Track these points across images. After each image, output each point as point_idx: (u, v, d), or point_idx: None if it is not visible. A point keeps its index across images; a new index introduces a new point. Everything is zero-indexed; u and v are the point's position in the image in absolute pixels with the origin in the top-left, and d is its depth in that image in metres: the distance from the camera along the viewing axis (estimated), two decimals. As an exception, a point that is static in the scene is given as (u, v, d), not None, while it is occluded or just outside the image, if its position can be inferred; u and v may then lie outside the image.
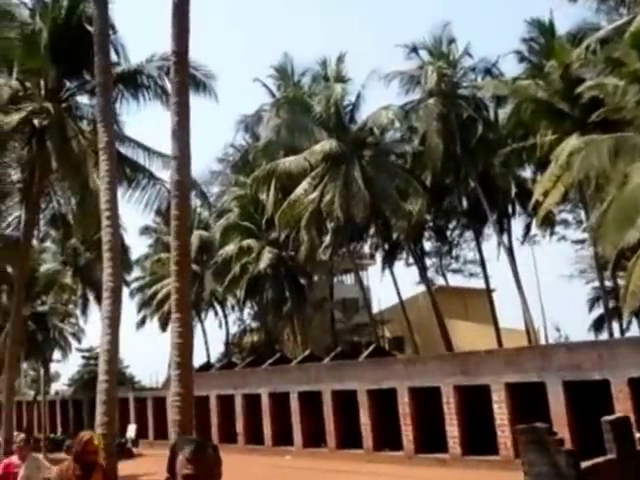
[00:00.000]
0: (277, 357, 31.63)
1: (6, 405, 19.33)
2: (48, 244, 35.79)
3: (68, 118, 17.86)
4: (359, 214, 29.73)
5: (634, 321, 33.19)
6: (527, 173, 31.65)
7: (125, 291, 35.74)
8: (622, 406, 17.18)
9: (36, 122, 17.71)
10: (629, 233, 16.52)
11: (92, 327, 49.80)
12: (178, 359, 9.25)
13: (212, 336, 43.91)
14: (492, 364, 21.10)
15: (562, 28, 28.10)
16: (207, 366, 36.76)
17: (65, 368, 60.63)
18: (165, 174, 19.01)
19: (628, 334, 32.49)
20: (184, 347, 9.31)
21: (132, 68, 17.73)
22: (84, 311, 40.13)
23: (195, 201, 27.32)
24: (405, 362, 25.11)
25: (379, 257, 39.22)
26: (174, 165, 9.77)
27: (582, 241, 35.24)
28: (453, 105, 29.85)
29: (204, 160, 45.84)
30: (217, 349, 47.31)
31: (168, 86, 17.49)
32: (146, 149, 18.21)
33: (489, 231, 34.68)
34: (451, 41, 31.43)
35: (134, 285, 44.01)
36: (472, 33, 67.97)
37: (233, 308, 44.15)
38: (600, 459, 11.40)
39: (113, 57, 15.46)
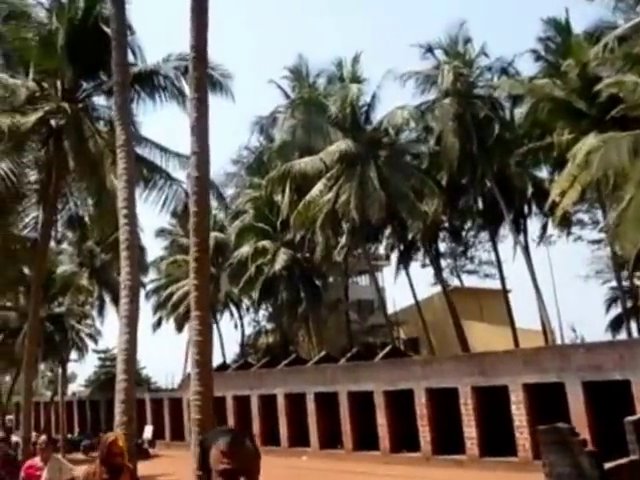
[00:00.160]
0: (293, 358, 31.61)
1: (24, 405, 19.44)
2: (65, 246, 36.03)
3: (85, 118, 17.90)
4: (375, 215, 29.63)
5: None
6: (543, 173, 31.44)
7: (141, 293, 35.84)
8: (643, 407, 16.97)
9: (53, 122, 17.78)
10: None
11: (108, 328, 50.01)
12: (197, 357, 9.20)
13: (227, 337, 44.05)
14: (510, 364, 20.93)
15: (578, 27, 27.99)
16: (223, 367, 36.80)
17: (82, 369, 61.04)
18: (182, 174, 19.05)
19: (647, 334, 32.13)
20: (204, 345, 9.26)
21: (148, 68, 17.74)
22: (100, 312, 40.40)
23: (212, 202, 27.29)
24: (422, 363, 24.97)
25: (394, 258, 39.11)
26: (193, 161, 9.71)
27: (599, 241, 34.96)
28: (469, 105, 29.68)
29: (219, 162, 46.11)
30: (232, 350, 47.41)
31: (185, 86, 17.58)
32: (162, 149, 18.24)
33: (504, 232, 34.53)
34: (467, 40, 31.26)
35: (150, 287, 44.19)
36: (488, 32, 67.60)
37: (248, 309, 44.24)
38: (623, 460, 11.26)
39: (130, 58, 15.46)
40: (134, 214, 11.50)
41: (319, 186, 31.02)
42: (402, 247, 36.23)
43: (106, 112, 19.13)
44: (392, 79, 31.31)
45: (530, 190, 30.61)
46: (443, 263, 38.77)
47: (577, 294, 57.51)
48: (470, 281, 41.74)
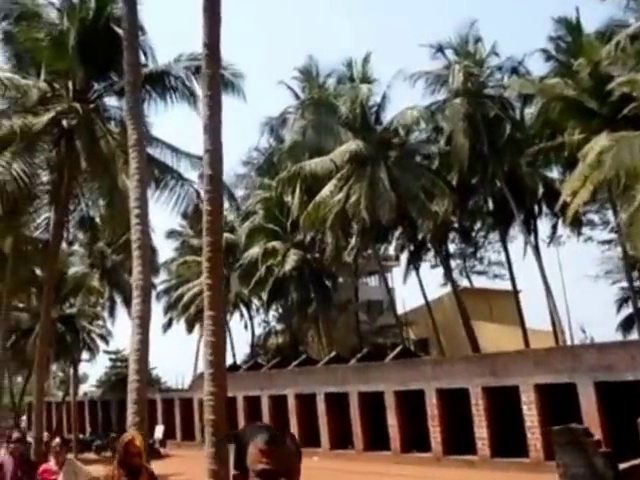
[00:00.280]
0: (303, 358, 31.64)
1: (36, 405, 19.50)
2: (76, 247, 36.22)
3: (96, 118, 17.92)
4: (385, 215, 29.57)
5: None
6: (554, 173, 31.31)
7: (152, 293, 35.96)
8: (656, 407, 16.85)
9: (64, 123, 17.83)
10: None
11: (119, 329, 50.28)
12: (211, 357, 9.07)
13: (237, 338, 44.12)
14: (521, 365, 20.85)
15: (589, 26, 27.86)
16: (234, 367, 36.86)
17: (93, 370, 61.32)
18: (193, 175, 19.07)
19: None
20: (217, 345, 9.14)
21: (159, 69, 17.73)
22: (111, 313, 40.59)
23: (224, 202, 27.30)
24: (432, 363, 24.93)
25: (403, 259, 39.08)
26: (206, 159, 9.58)
27: (609, 241, 34.80)
28: (479, 105, 29.59)
29: (229, 163, 46.10)
30: (242, 351, 47.51)
31: (196, 87, 17.61)
32: (174, 149, 18.25)
33: (513, 232, 34.44)
34: (477, 40, 31.17)
35: (160, 288, 44.35)
36: (498, 32, 67.40)
37: (258, 310, 44.31)
38: (638, 461, 11.18)
39: (141, 58, 15.46)
40: (146, 214, 11.37)
41: (329, 187, 31.01)
42: (412, 248, 36.18)
43: (117, 113, 19.17)
44: (402, 79, 31.34)
45: (541, 190, 30.47)
46: (452, 264, 38.69)
47: (584, 295, 57.23)
48: (479, 282, 41.67)
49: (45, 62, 18.32)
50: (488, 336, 33.44)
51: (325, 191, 31.01)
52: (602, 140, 21.56)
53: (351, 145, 30.38)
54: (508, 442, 20.56)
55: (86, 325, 37.66)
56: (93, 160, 17.23)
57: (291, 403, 28.36)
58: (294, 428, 28.02)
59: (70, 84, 18.58)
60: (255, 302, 42.86)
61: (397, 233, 35.93)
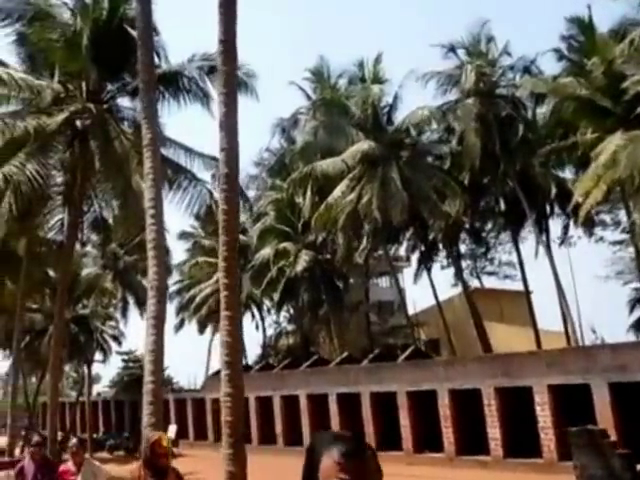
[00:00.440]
0: (315, 359, 31.65)
1: (50, 405, 19.59)
2: (89, 248, 36.40)
3: (110, 119, 18.00)
4: (397, 216, 29.52)
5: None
6: (565, 174, 31.17)
7: (163, 294, 36.08)
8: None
9: (78, 123, 17.92)
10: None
11: (132, 330, 50.50)
12: (227, 358, 8.97)
13: (248, 339, 44.15)
14: (534, 365, 20.76)
15: (601, 26, 27.59)
16: (245, 368, 36.89)
17: (106, 370, 61.60)
18: (206, 175, 19.14)
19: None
20: (233, 346, 9.04)
21: (173, 69, 17.77)
22: (124, 314, 40.72)
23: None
24: (445, 364, 24.89)
25: (414, 259, 39.02)
26: (222, 157, 9.45)
27: (620, 242, 34.60)
28: (491, 104, 29.49)
29: (241, 164, 45.81)
30: (253, 352, 47.56)
31: (209, 87, 17.66)
32: (187, 150, 18.30)
33: (524, 233, 34.34)
34: (490, 39, 31.06)
35: (172, 289, 44.46)
36: (510, 32, 67.19)
37: (269, 311, 44.36)
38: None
39: (154, 59, 15.50)
40: (161, 214, 11.32)
41: (341, 187, 30.99)
42: (423, 248, 36.13)
43: (130, 113, 19.27)
44: (414, 79, 31.22)
45: (554, 190, 30.34)
46: (463, 264, 38.59)
47: (594, 295, 56.95)
48: (489, 282, 41.56)
49: (58, 63, 18.41)
50: (499, 337, 33.35)
51: (337, 192, 31.00)
52: (616, 139, 21.44)
53: (363, 145, 30.34)
54: (521, 443, 20.49)
55: (99, 326, 37.85)
56: (107, 160, 17.30)
57: (303, 403, 28.38)
58: (306, 428, 28.06)
59: (83, 85, 18.67)
60: (266, 303, 42.91)
61: (408, 234, 35.87)
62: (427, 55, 78.71)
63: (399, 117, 32.11)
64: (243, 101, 17.19)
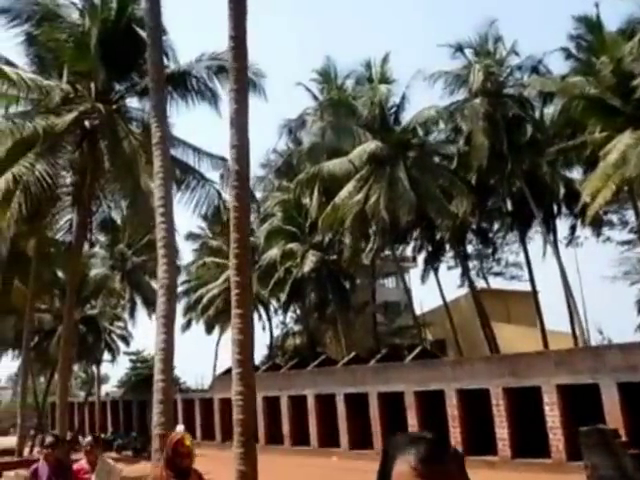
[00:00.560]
0: (322, 359, 31.64)
1: (60, 405, 19.62)
2: (97, 249, 36.57)
3: (119, 119, 18.04)
4: (405, 216, 29.49)
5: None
6: (574, 174, 31.08)
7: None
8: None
9: (87, 124, 17.99)
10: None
11: (139, 330, 50.66)
12: (239, 356, 8.87)
13: (254, 339, 44.08)
14: (543, 365, 20.71)
15: (609, 25, 27.48)
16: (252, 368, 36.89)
17: (114, 371, 61.71)
18: (214, 175, 19.18)
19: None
20: (245, 344, 8.93)
21: (181, 69, 17.78)
22: (132, 314, 40.84)
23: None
24: (452, 364, 24.85)
25: (420, 260, 38.99)
26: (232, 154, 9.37)
27: (628, 242, 34.46)
28: (499, 104, 29.41)
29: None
30: (260, 352, 47.56)
31: (218, 87, 17.69)
32: (195, 149, 18.34)
33: (530, 233, 34.25)
34: (497, 39, 30.96)
35: (180, 289, 44.53)
36: (517, 31, 67.08)
37: (276, 312, 44.40)
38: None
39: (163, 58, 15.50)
40: (171, 212, 11.28)
41: (348, 187, 30.97)
42: (430, 248, 36.09)
43: (138, 114, 19.34)
44: (421, 79, 31.14)
45: (562, 191, 30.26)
46: (469, 265, 38.51)
47: (601, 296, 56.74)
48: (495, 283, 41.49)
49: (67, 63, 18.45)
50: (505, 337, 33.28)
51: (344, 192, 30.97)
52: (626, 138, 21.36)
53: (370, 145, 30.29)
54: (529, 443, 20.43)
55: (107, 326, 38.00)
56: (116, 160, 17.34)
57: (310, 403, 28.37)
58: (313, 428, 28.06)
59: (92, 85, 18.71)
60: (273, 303, 42.93)
61: (415, 234, 35.84)
62: (434, 55, 78.57)
63: (406, 117, 32.06)
64: (251, 101, 17.13)
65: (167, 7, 24.15)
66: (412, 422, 24.21)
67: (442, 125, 32.28)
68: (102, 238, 32.83)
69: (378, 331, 39.04)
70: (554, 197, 31.08)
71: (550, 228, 32.35)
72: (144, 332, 40.95)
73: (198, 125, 29.44)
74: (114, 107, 18.51)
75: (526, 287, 34.34)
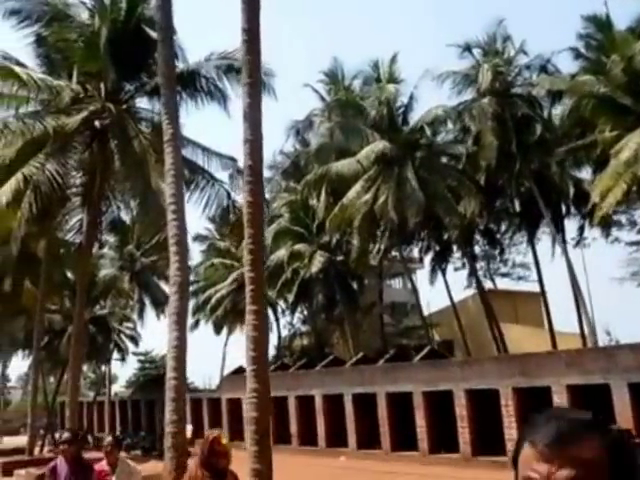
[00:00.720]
0: (330, 359, 31.62)
1: (70, 404, 19.67)
2: (106, 250, 36.68)
3: (129, 119, 18.06)
4: (413, 216, 29.44)
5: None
6: (583, 173, 30.96)
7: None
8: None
9: (97, 123, 18.03)
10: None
11: (148, 330, 50.81)
12: (253, 353, 8.73)
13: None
14: (553, 366, 20.62)
15: (619, 24, 27.39)
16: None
17: (122, 371, 61.83)
18: (224, 175, 19.16)
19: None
20: (260, 340, 8.80)
21: (191, 68, 17.77)
22: (140, 315, 40.90)
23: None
24: (461, 364, 24.79)
25: (427, 261, 38.94)
26: (246, 149, 9.20)
27: (636, 243, 34.30)
28: (508, 104, 29.32)
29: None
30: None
31: (227, 86, 17.70)
32: (204, 149, 18.34)
33: (538, 234, 34.15)
34: (506, 38, 30.88)
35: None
36: (526, 30, 66.97)
37: (283, 312, 44.42)
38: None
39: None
40: (182, 210, 11.26)
41: (356, 188, 30.92)
42: (438, 249, 36.03)
43: (148, 114, 19.36)
44: (429, 79, 31.09)
45: (571, 190, 30.15)
46: (477, 266, 38.42)
47: (608, 297, 56.62)
48: (502, 284, 41.38)
49: (77, 63, 18.48)
50: (513, 338, 33.20)
51: (352, 193, 30.93)
52: (637, 137, 21.24)
53: (378, 145, 30.23)
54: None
55: (116, 326, 38.11)
56: (126, 160, 17.36)
57: (318, 403, 28.36)
58: (321, 428, 28.03)
59: (102, 85, 18.75)
60: (281, 304, 42.96)
61: (422, 234, 35.79)
62: (443, 55, 78.53)
63: (414, 117, 32.01)
64: (266, 97, 17.10)
65: (175, 6, 24.05)
66: (420, 422, 24.16)
67: (450, 125, 32.22)
68: (111, 239, 32.94)
69: (385, 332, 39.01)
70: (563, 197, 30.98)
71: (559, 228, 32.25)
72: (152, 333, 41.11)
73: (207, 125, 29.50)
74: (124, 107, 18.54)
75: (533, 288, 34.27)
